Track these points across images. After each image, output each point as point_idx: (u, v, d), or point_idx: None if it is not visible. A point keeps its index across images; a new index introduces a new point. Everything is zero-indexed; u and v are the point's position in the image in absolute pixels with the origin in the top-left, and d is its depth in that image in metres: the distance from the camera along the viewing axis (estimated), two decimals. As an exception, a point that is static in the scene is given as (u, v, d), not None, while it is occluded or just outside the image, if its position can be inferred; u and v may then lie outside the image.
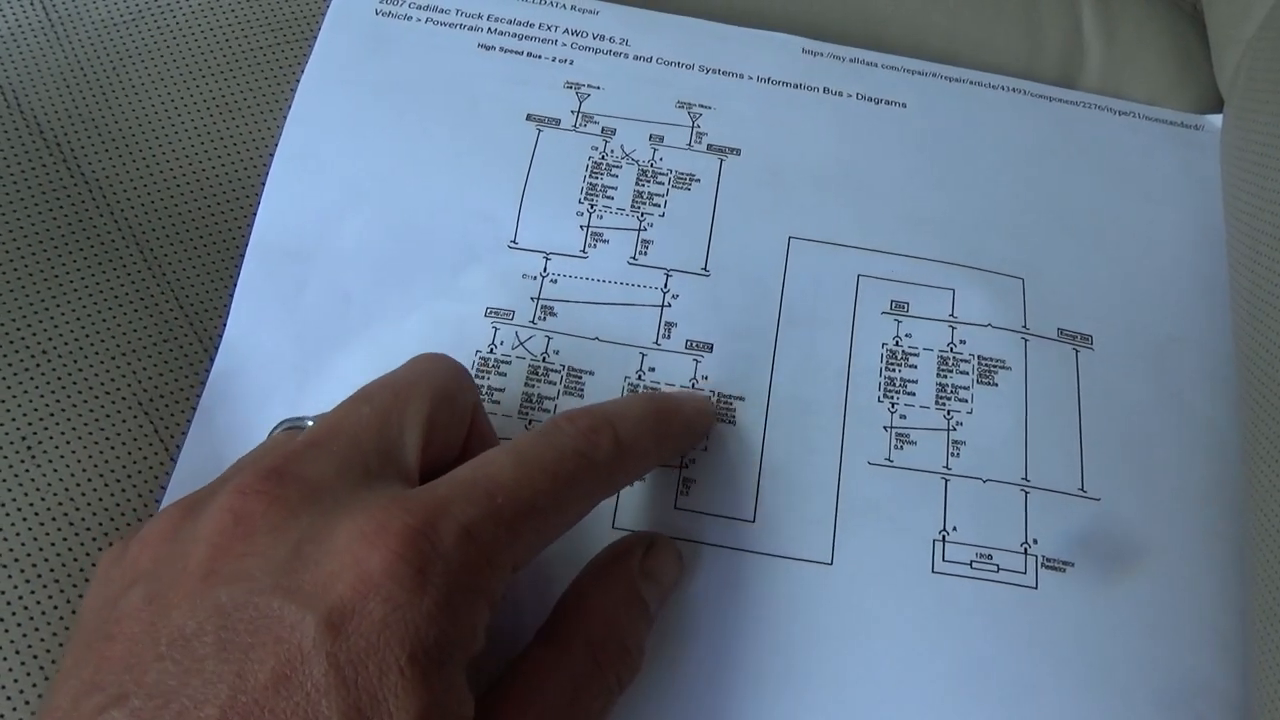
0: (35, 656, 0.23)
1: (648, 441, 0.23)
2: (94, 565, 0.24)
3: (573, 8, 0.34)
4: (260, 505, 0.18)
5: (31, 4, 0.32)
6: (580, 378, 0.27)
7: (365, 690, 0.16)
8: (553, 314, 0.28)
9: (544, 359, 0.27)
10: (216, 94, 0.31)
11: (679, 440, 0.25)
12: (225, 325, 0.28)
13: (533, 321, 0.28)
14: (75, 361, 0.26)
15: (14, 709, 0.23)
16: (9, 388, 0.26)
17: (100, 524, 0.25)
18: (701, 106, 0.32)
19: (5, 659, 0.23)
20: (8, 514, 0.25)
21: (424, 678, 0.17)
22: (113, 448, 0.26)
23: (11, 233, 0.28)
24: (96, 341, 0.27)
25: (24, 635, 0.24)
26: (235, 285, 0.28)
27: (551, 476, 0.20)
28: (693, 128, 0.31)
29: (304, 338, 0.27)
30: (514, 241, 0.29)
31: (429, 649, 0.17)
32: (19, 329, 0.27)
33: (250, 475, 0.18)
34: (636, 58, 0.33)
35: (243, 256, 0.29)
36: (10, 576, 0.24)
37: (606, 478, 0.22)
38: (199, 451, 0.26)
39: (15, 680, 0.23)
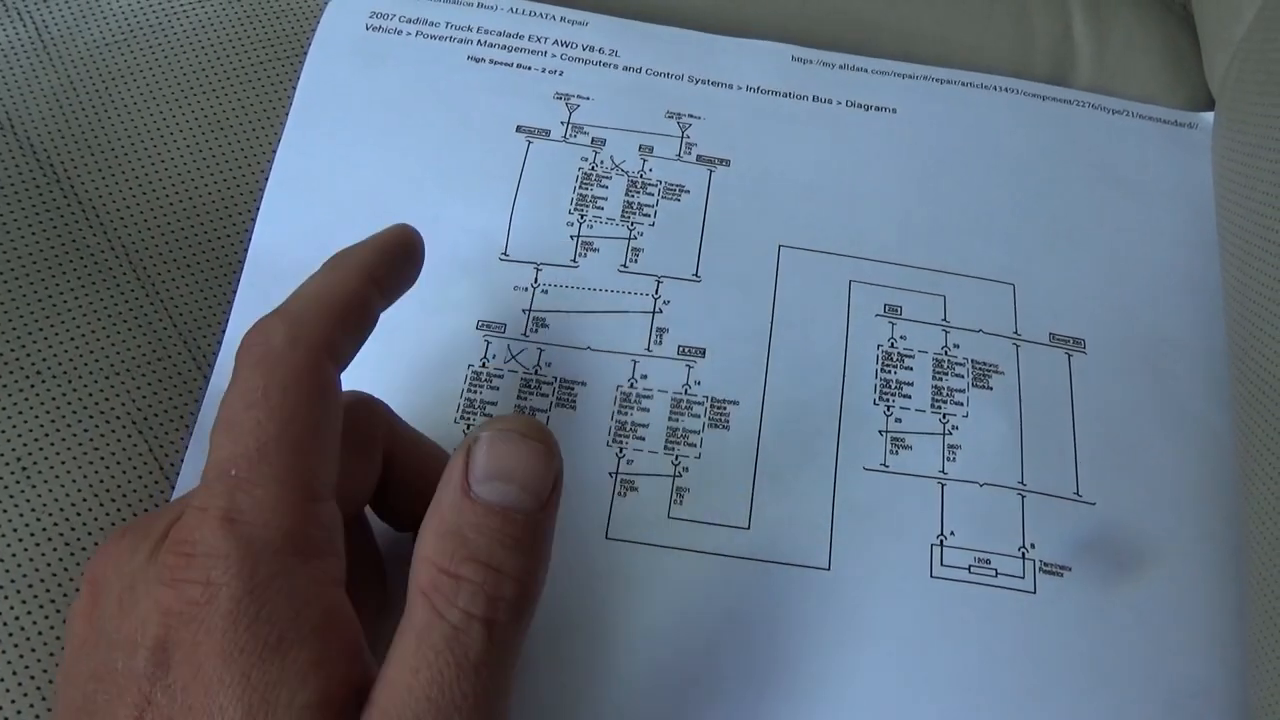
0: (33, 677, 0.23)
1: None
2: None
3: (562, 19, 0.34)
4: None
5: (24, 25, 0.32)
6: (573, 389, 0.27)
7: (201, 711, 0.17)
8: (544, 325, 0.28)
9: (536, 371, 0.27)
10: (209, 113, 0.31)
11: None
12: (220, 344, 0.28)
13: (524, 334, 0.28)
14: (70, 382, 0.27)
15: (11, 730, 0.23)
16: (4, 409, 0.26)
17: (96, 544, 0.25)
18: (691, 117, 0.32)
19: (2, 680, 0.23)
20: (3, 536, 0.25)
21: (243, 675, 0.17)
22: (108, 468, 0.26)
23: (5, 255, 0.28)
24: (91, 362, 0.27)
25: (20, 656, 0.24)
26: (231, 303, 0.28)
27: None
28: (682, 138, 0.31)
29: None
30: (505, 253, 0.29)
31: (243, 646, 0.18)
32: (13, 350, 0.27)
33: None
34: (626, 68, 0.33)
35: (238, 275, 0.29)
36: (7, 598, 0.24)
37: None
38: (197, 471, 0.26)
39: (13, 701, 0.23)
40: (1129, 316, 0.29)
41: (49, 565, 0.25)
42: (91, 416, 0.26)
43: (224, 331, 0.28)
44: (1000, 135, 0.32)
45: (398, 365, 0.27)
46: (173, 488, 0.26)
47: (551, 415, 0.26)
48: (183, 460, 0.26)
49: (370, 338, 0.28)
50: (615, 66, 0.33)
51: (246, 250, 0.29)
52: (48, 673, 0.24)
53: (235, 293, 0.28)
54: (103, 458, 0.26)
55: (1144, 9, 0.37)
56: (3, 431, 0.26)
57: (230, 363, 0.27)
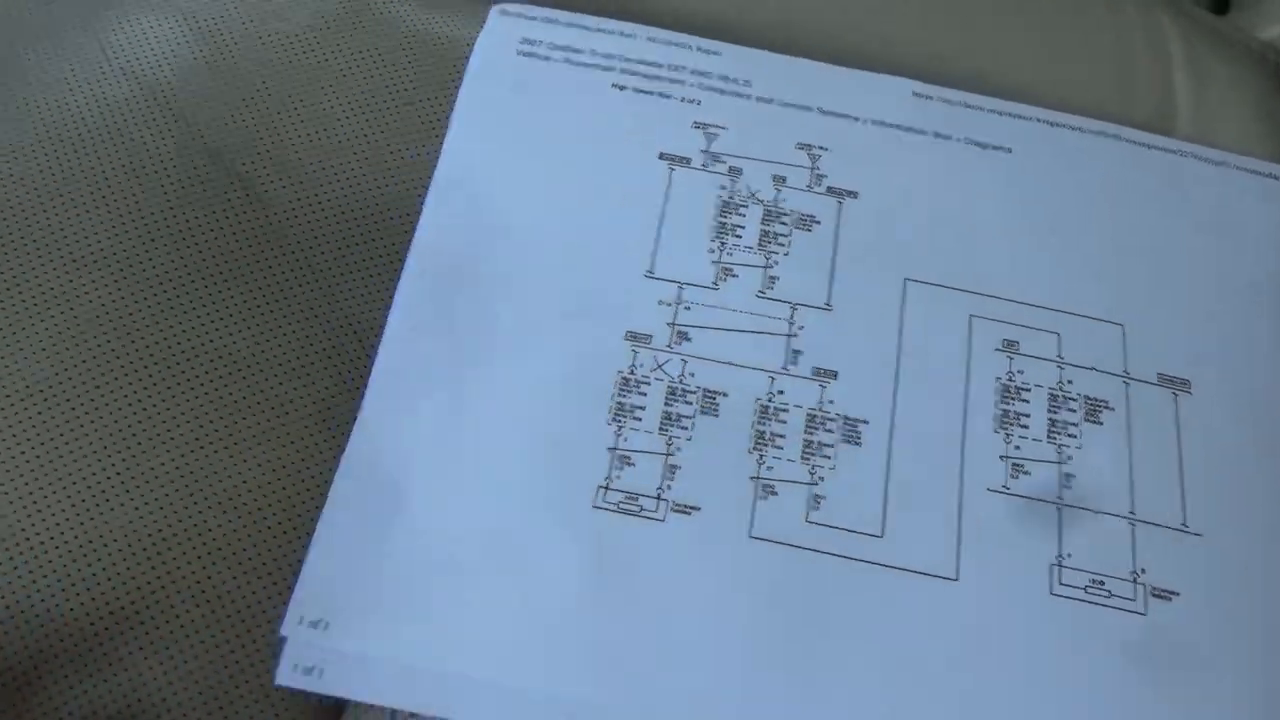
0: (200, 667, 0.26)
1: None
2: (271, 552, 0.27)
3: (697, 49, 0.36)
4: None
5: (206, 44, 0.34)
6: (715, 399, 0.29)
7: None
8: (687, 339, 0.30)
9: (681, 381, 0.29)
10: (376, 127, 0.34)
11: None
12: (380, 340, 0.30)
13: (669, 345, 0.30)
14: (261, 371, 0.29)
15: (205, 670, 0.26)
16: (208, 393, 0.29)
17: (269, 526, 0.27)
18: (820, 149, 0.34)
19: (189, 635, 0.26)
20: (207, 500, 0.27)
21: None
22: (289, 457, 0.28)
23: (197, 256, 0.31)
24: (272, 355, 0.29)
25: (190, 647, 0.26)
26: (391, 304, 0.31)
27: None
28: (812, 169, 0.33)
29: (455, 356, 0.30)
30: (650, 271, 0.31)
31: None
32: (201, 342, 0.29)
33: None
34: (759, 99, 0.35)
35: (398, 277, 0.31)
36: (200, 558, 0.27)
37: None
38: (359, 458, 0.28)
39: (206, 652, 0.26)
40: (1233, 360, 0.31)
41: (234, 533, 0.27)
42: (281, 402, 0.29)
43: (383, 330, 0.30)
44: (1109, 180, 0.34)
45: (548, 370, 0.29)
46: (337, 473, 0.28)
47: (696, 421, 0.29)
48: (343, 453, 0.28)
49: (527, 345, 0.30)
50: (749, 97, 0.35)
51: (407, 254, 0.31)
52: (213, 659, 0.26)
53: (396, 293, 0.31)
54: (284, 447, 0.28)
55: (1240, 63, 0.39)
56: (187, 420, 0.28)
57: (390, 358, 0.30)
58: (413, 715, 0.25)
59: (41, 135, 0.32)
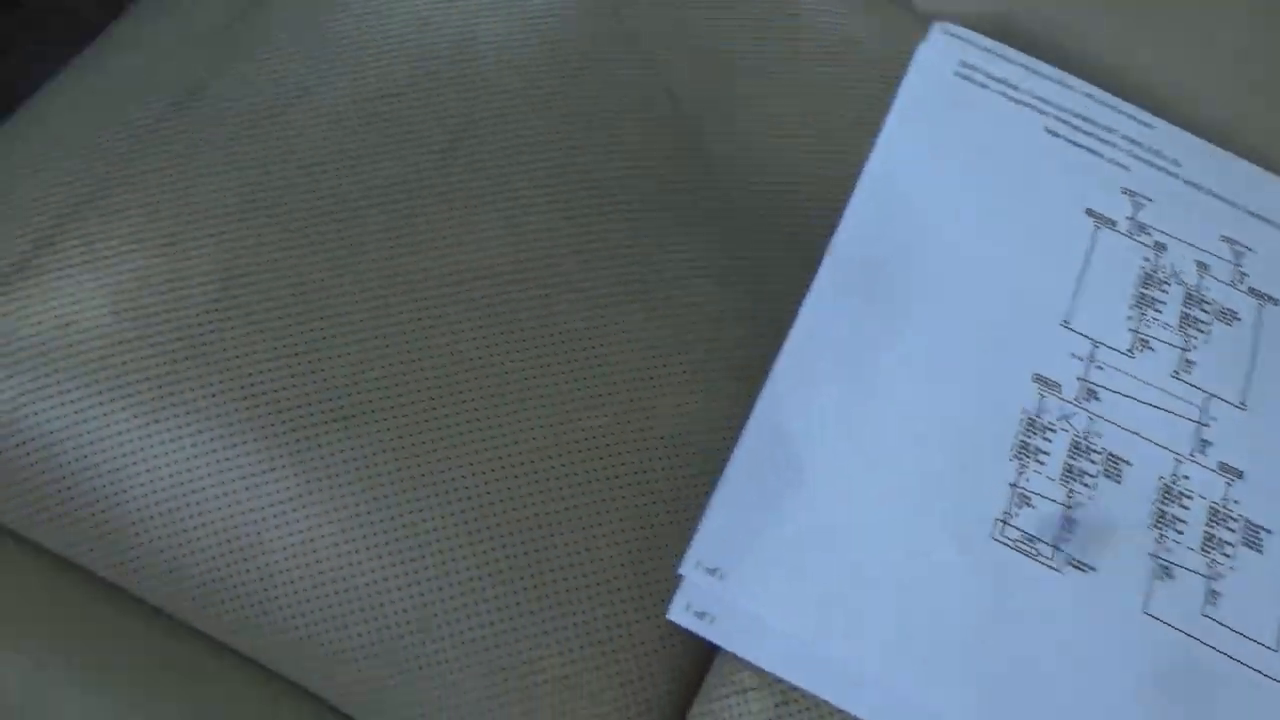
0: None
1: None
2: (679, 492, 0.28)
3: (1131, 117, 0.36)
4: None
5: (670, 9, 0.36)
6: (1119, 466, 0.29)
7: None
8: (1096, 398, 0.30)
9: (1086, 438, 0.30)
10: (816, 110, 0.35)
11: None
12: (795, 319, 0.31)
13: (1076, 399, 0.30)
14: (685, 314, 0.31)
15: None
16: (639, 329, 0.30)
17: (685, 457, 0.29)
18: (1245, 247, 0.34)
19: (601, 550, 0.27)
20: (629, 435, 0.29)
21: None
22: (710, 397, 0.30)
23: (636, 190, 0.32)
24: (702, 301, 0.31)
25: (622, 532, 0.28)
26: (809, 284, 0.32)
27: None
28: (1235, 265, 0.33)
29: (866, 348, 0.31)
30: (1066, 322, 0.31)
31: None
32: (642, 272, 0.31)
33: None
34: (1187, 182, 0.35)
35: (819, 259, 0.32)
36: (615, 478, 0.28)
37: None
38: (764, 423, 0.29)
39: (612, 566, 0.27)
40: None
41: (658, 466, 0.28)
42: (693, 353, 0.30)
43: (799, 305, 0.31)
44: None
45: (954, 387, 0.30)
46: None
47: (1099, 482, 0.29)
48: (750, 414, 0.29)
49: (933, 354, 0.30)
50: (1177, 177, 0.35)
51: (830, 239, 0.32)
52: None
53: (817, 273, 0.32)
54: (700, 394, 0.30)
55: None
56: (620, 348, 0.30)
57: (802, 337, 0.31)
58: (792, 687, 0.26)
59: (521, 45, 0.34)
